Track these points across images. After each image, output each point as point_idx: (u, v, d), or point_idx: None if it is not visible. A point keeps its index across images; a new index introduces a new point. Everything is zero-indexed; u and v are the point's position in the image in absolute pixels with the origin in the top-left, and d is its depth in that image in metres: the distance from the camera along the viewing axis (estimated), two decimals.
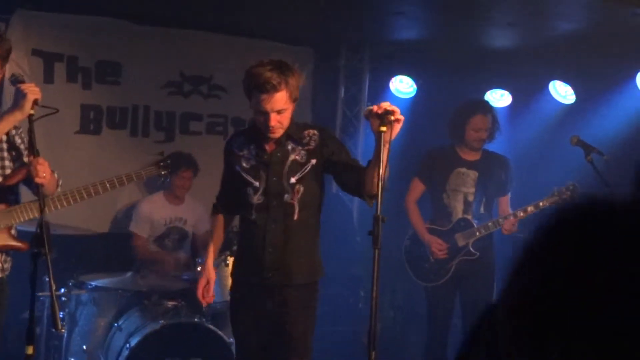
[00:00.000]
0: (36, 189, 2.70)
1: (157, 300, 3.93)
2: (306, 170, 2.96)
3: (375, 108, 2.66)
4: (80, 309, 3.89)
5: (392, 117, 2.62)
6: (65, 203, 3.00)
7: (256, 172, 2.99)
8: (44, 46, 4.68)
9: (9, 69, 4.45)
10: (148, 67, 5.01)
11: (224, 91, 5.29)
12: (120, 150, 4.96)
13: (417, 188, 4.31)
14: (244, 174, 3.00)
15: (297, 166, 2.97)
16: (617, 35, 4.48)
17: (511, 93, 5.49)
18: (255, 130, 3.01)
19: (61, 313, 3.92)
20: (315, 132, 3.03)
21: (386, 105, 2.65)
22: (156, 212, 4.71)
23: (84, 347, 3.85)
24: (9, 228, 2.92)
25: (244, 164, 3.01)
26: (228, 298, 3.24)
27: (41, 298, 3.88)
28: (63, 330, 3.71)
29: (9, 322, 3.13)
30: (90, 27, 4.80)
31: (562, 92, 5.38)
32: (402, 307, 5.53)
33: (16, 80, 2.81)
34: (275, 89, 2.80)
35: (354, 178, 2.87)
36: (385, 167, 2.62)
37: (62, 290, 3.87)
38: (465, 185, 4.19)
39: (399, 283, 5.21)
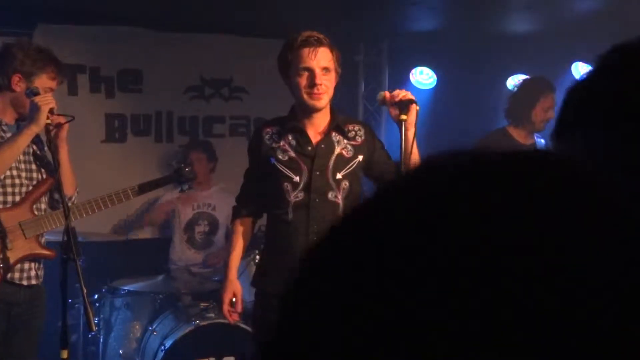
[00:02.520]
0: (59, 194, 2.75)
1: (190, 301, 3.99)
2: (353, 167, 2.72)
3: (388, 96, 2.63)
4: (114, 314, 3.95)
5: (414, 106, 2.58)
6: (89, 211, 3.06)
7: (296, 165, 2.69)
8: (67, 59, 4.71)
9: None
10: (168, 73, 5.06)
11: (245, 92, 5.33)
12: (146, 156, 5.02)
13: None
14: (280, 167, 2.69)
15: (343, 161, 2.72)
16: (636, 12, 4.41)
17: None
18: (294, 118, 2.74)
19: (96, 319, 3.98)
20: (360, 127, 2.82)
21: (402, 94, 2.61)
22: (182, 200, 4.70)
23: (120, 351, 3.91)
24: (37, 236, 2.98)
25: (280, 156, 2.70)
26: None
27: (76, 305, 3.96)
28: (95, 329, 3.77)
29: (45, 330, 3.19)
30: (110, 37, 4.87)
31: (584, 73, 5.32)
32: None
33: (31, 93, 2.85)
34: (320, 43, 2.64)
35: None
36: (413, 152, 2.57)
37: (96, 296, 3.94)
38: None
39: None
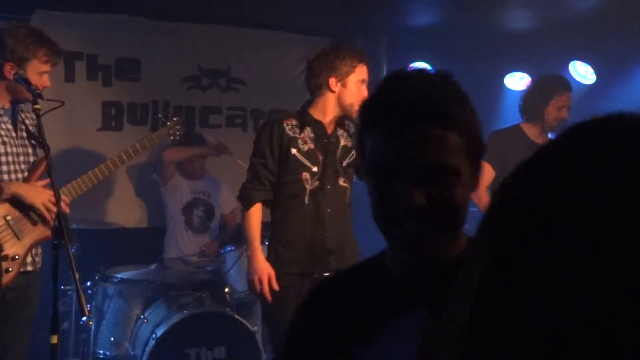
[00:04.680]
0: (50, 179, 2.75)
1: (182, 291, 3.98)
2: (354, 156, 3.05)
3: None
4: (107, 302, 3.95)
5: None
6: (89, 184, 3.10)
7: (314, 156, 3.03)
8: (64, 45, 4.67)
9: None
10: (166, 63, 5.05)
11: (242, 84, 5.32)
12: None
13: (488, 174, 3.80)
14: (300, 157, 3.02)
15: (347, 150, 3.09)
16: (635, 11, 4.41)
17: (531, 76, 5.44)
18: (311, 113, 3.07)
19: (88, 306, 3.98)
20: (350, 122, 3.14)
21: None
22: (181, 182, 4.78)
23: (112, 339, 3.91)
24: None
25: (301, 147, 3.03)
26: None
27: (68, 292, 3.96)
28: (90, 321, 3.77)
29: (37, 315, 3.18)
30: (109, 25, 4.86)
31: (582, 72, 5.32)
32: None
33: (20, 79, 2.83)
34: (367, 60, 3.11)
35: None
36: None
37: (88, 283, 3.94)
38: None
39: None
